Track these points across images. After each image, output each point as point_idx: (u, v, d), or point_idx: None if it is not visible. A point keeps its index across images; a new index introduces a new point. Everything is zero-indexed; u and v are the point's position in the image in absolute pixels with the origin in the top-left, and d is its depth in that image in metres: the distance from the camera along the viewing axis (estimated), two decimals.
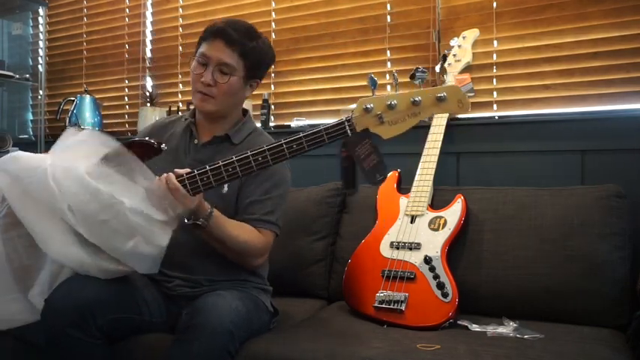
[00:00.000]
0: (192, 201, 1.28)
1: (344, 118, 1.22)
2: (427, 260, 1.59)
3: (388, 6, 2.34)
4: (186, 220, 1.32)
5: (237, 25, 1.48)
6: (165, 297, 1.48)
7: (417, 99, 1.18)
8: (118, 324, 1.34)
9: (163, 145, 1.34)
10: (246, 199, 1.49)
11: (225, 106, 1.51)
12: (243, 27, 1.49)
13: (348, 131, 1.20)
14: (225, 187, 1.48)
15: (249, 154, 1.26)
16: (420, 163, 1.84)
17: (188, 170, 1.30)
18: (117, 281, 1.32)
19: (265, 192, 1.49)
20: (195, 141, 1.56)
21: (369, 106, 1.20)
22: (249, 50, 1.47)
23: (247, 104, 2.49)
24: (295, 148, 1.23)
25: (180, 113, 2.22)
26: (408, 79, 2.05)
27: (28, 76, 3.30)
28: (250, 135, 1.58)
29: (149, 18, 3.00)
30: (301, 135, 1.23)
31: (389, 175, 1.93)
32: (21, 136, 3.40)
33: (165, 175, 1.28)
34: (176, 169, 1.30)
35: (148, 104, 2.80)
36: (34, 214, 1.25)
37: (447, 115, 1.92)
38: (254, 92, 2.53)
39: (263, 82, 2.56)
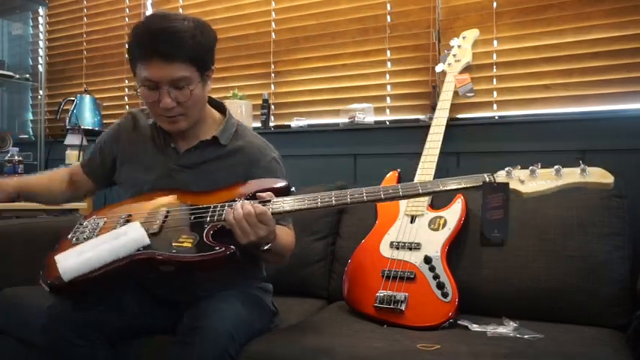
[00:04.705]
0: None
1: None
2: (427, 260, 1.59)
3: (388, 6, 2.34)
4: (262, 248, 1.27)
5: (164, 34, 1.29)
6: (165, 300, 1.48)
7: (558, 170, 1.18)
8: (120, 331, 1.35)
9: (293, 189, 1.35)
10: None
11: (197, 115, 1.43)
12: (170, 31, 1.30)
13: (486, 178, 1.20)
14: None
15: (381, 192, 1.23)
16: (420, 163, 1.84)
17: (271, 194, 1.28)
18: (116, 289, 1.34)
19: None
20: (172, 145, 1.47)
21: (510, 169, 1.21)
22: (191, 52, 1.31)
23: (247, 104, 2.50)
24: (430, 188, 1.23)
25: None
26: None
27: (28, 76, 3.31)
28: (237, 133, 1.50)
29: None
30: (438, 181, 1.24)
31: (389, 175, 1.93)
32: (21, 136, 3.41)
33: (240, 203, 1.24)
34: (259, 193, 1.28)
35: None
36: None
37: (447, 115, 1.92)
38: (254, 92, 2.61)
39: (263, 82, 2.63)
